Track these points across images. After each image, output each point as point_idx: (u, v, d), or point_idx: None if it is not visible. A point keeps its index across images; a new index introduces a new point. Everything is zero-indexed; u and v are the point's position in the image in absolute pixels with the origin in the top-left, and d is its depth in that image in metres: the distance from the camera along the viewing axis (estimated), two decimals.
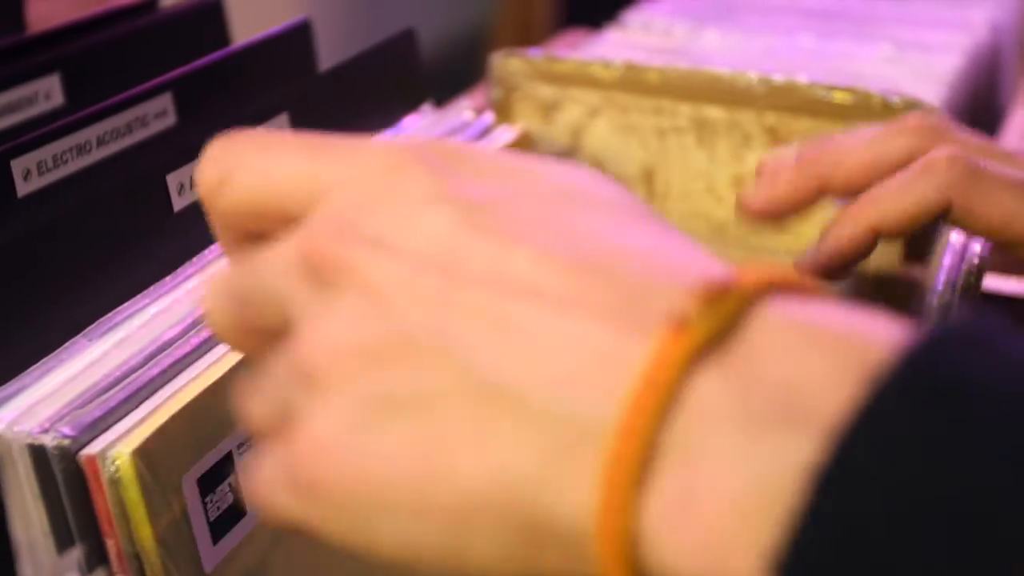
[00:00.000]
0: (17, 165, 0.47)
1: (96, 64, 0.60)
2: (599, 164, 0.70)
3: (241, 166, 0.33)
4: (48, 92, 0.57)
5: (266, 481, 0.31)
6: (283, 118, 0.54)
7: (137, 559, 0.39)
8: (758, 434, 0.25)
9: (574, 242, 0.29)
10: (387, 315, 0.29)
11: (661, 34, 0.82)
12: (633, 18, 0.86)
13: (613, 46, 0.80)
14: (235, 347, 0.34)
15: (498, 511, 0.28)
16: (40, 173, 0.48)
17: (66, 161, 0.49)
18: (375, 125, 0.60)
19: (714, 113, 0.68)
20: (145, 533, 0.39)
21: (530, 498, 0.27)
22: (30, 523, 0.39)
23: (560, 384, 0.27)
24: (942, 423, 0.23)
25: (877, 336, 0.25)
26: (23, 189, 0.48)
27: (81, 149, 0.50)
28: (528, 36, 1.88)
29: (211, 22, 0.66)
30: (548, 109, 0.71)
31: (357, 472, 0.29)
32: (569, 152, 0.71)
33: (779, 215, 0.50)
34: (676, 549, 0.26)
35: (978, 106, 0.83)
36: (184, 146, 0.49)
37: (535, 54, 0.71)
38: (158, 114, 0.54)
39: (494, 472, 0.27)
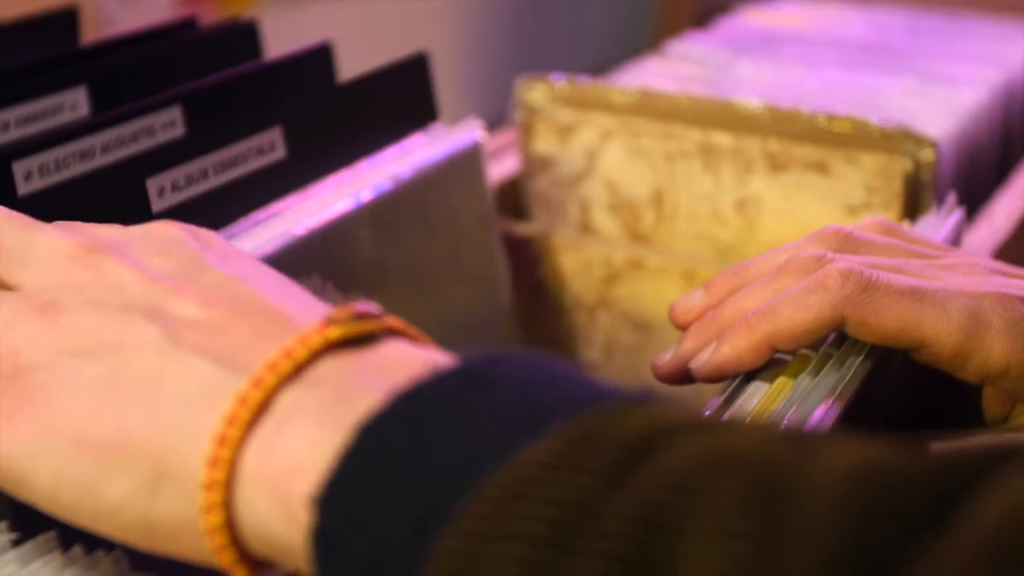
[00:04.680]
0: (19, 166, 0.52)
1: (126, 79, 0.64)
2: (612, 185, 0.73)
3: None
4: (75, 104, 0.61)
5: None
6: (276, 131, 0.58)
7: None
8: (340, 401, 0.34)
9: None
10: (121, 293, 0.38)
11: (696, 63, 0.84)
12: (674, 48, 0.88)
13: (647, 73, 0.82)
14: None
15: (140, 451, 0.35)
16: (41, 175, 0.52)
17: (68, 165, 0.54)
18: (378, 142, 0.63)
19: (720, 139, 0.70)
20: None
21: (168, 440, 0.34)
22: None
23: (225, 355, 0.36)
24: (459, 395, 0.33)
25: (448, 360, 0.35)
26: (23, 189, 0.52)
27: (84, 154, 0.54)
28: None
29: (244, 42, 0.70)
30: (565, 132, 0.74)
31: (55, 397, 0.36)
32: (584, 173, 0.74)
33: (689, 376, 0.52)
34: (255, 486, 0.34)
35: (1010, 140, 0.84)
36: (170, 152, 0.53)
37: (557, 79, 0.74)
38: (166, 125, 0.58)
39: (149, 414, 0.35)
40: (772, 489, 0.28)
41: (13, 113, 0.59)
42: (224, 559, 0.34)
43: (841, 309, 0.47)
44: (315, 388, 0.34)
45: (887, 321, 0.47)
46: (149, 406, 0.35)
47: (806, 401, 0.46)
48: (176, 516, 0.34)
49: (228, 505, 0.34)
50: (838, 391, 0.47)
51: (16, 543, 0.40)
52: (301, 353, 0.35)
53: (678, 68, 0.83)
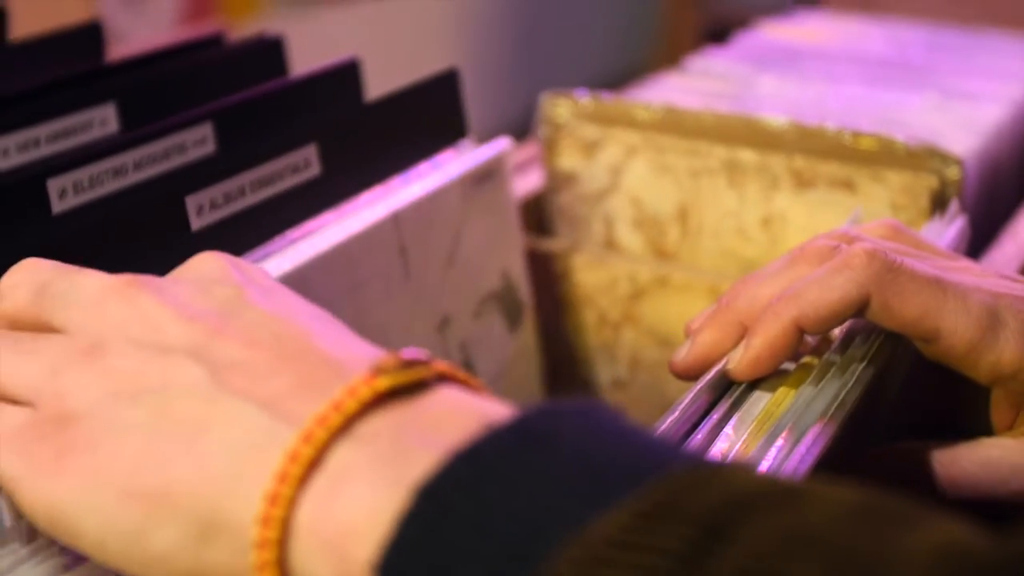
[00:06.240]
0: (53, 184, 0.52)
1: (154, 95, 0.64)
2: (637, 202, 0.73)
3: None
4: (104, 120, 0.62)
5: (11, 439, 0.37)
6: (312, 148, 0.58)
7: None
8: (395, 460, 0.33)
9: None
10: (161, 331, 0.38)
11: (718, 79, 0.84)
12: (695, 63, 0.88)
13: (669, 89, 0.82)
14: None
15: (188, 500, 0.34)
16: (76, 192, 0.52)
17: (102, 182, 0.54)
18: (409, 159, 0.63)
19: (746, 156, 0.70)
20: None
21: (217, 491, 0.34)
22: None
23: (272, 401, 0.35)
24: (519, 457, 0.32)
25: (503, 411, 0.35)
26: (58, 207, 0.52)
27: (118, 172, 0.54)
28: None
29: (271, 58, 0.70)
30: (590, 147, 0.74)
31: (100, 444, 0.35)
32: (608, 189, 0.74)
33: (709, 368, 0.51)
34: (311, 547, 0.33)
35: None
36: (207, 170, 0.53)
37: (581, 95, 0.74)
38: (197, 142, 0.58)
39: (196, 463, 0.34)
40: None
41: (43, 130, 0.59)
42: None
43: (867, 288, 0.47)
44: (368, 444, 0.34)
45: (908, 306, 0.47)
46: (196, 454, 0.34)
47: (809, 409, 0.46)
48: (226, 567, 0.34)
49: (281, 563, 0.33)
50: (840, 399, 0.46)
51: (67, 568, 0.39)
52: (351, 406, 0.34)
53: (700, 84, 0.84)
